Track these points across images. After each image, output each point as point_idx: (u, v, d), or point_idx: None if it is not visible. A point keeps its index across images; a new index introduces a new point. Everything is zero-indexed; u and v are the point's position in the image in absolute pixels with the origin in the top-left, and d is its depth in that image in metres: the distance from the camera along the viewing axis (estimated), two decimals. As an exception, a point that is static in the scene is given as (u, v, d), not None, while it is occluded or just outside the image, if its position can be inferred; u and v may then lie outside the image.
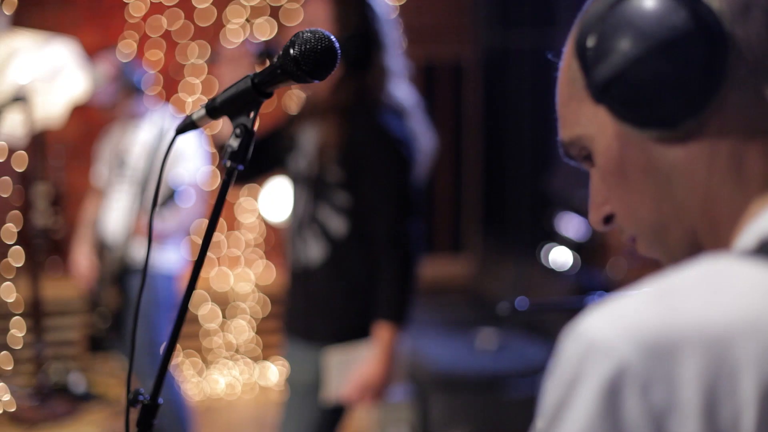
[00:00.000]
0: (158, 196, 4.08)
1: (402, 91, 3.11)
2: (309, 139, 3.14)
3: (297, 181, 3.19)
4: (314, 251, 3.10)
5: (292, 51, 1.51)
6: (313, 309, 3.12)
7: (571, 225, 5.54)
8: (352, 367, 3.05)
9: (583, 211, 4.83)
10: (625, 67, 0.96)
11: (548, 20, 6.24)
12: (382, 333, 3.00)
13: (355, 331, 3.08)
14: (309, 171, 3.12)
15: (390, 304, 3.01)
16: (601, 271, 5.51)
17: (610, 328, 0.84)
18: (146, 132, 4.65)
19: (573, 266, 5.32)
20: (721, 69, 0.94)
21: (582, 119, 1.04)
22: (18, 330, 5.73)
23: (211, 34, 6.40)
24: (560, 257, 5.51)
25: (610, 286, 4.95)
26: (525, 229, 6.56)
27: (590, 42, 1.00)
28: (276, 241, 6.56)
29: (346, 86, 3.02)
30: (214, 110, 1.55)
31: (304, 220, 3.13)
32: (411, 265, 3.03)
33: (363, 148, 3.01)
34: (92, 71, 4.60)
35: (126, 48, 6.25)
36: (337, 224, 3.06)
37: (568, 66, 1.06)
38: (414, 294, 3.05)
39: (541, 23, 6.29)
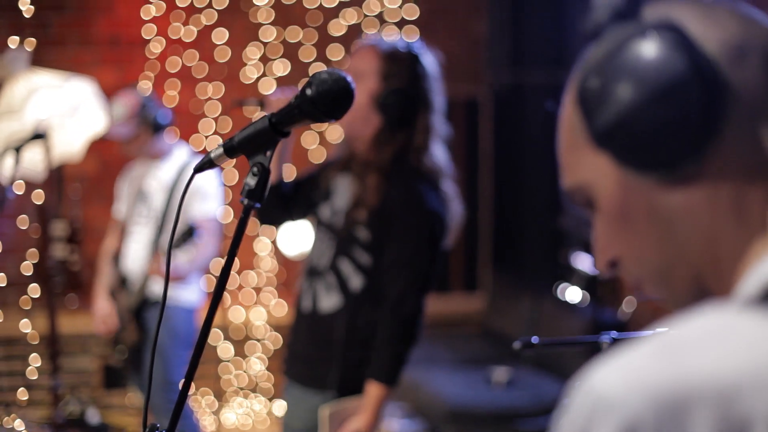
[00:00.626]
0: (176, 233, 4.11)
1: (440, 153, 3.08)
2: (342, 192, 3.12)
3: (321, 227, 3.18)
4: (327, 300, 3.08)
5: (309, 91, 1.55)
6: (317, 356, 3.10)
7: (584, 262, 5.56)
8: (343, 421, 3.04)
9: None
10: (624, 113, 0.98)
11: (559, 60, 6.28)
12: (372, 392, 2.99)
13: (355, 384, 3.07)
14: (336, 222, 3.11)
15: (384, 365, 2.99)
16: (615, 309, 5.51)
17: (620, 382, 0.84)
18: (165, 169, 4.68)
19: (587, 303, 5.32)
20: (718, 113, 0.96)
21: (583, 166, 1.05)
22: (34, 363, 5.76)
23: (226, 73, 6.47)
24: (574, 294, 5.52)
25: (623, 324, 4.95)
26: (539, 267, 6.57)
27: (590, 89, 1.01)
28: (288, 278, 6.58)
29: (387, 144, 3.01)
30: (232, 149, 1.58)
31: (321, 267, 3.11)
32: (412, 334, 3.01)
33: (396, 214, 2.99)
34: (111, 107, 4.65)
35: (145, 86, 6.32)
36: (356, 281, 3.05)
37: (568, 113, 1.07)
38: (407, 360, 3.03)
39: (552, 63, 6.33)
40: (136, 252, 4.68)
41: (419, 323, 3.02)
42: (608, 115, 0.99)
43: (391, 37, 3.10)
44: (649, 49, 0.98)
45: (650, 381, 0.83)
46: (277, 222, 3.33)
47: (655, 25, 0.99)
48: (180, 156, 4.72)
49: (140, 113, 4.57)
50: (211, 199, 4.64)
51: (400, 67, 2.99)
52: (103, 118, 4.80)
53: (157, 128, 4.59)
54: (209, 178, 4.62)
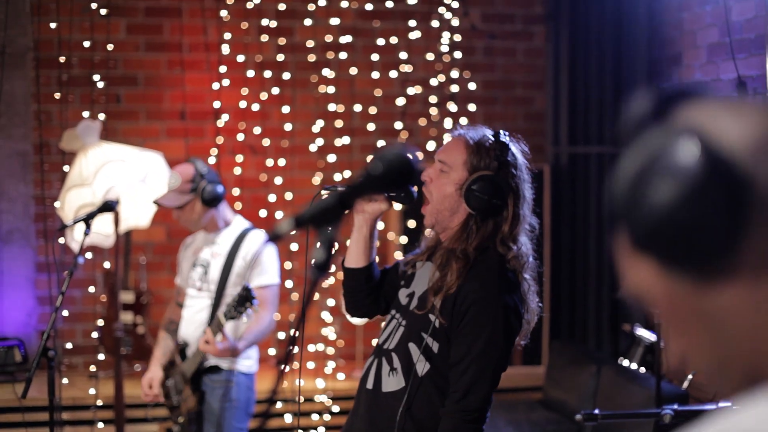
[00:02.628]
0: (233, 300, 4.16)
1: (527, 244, 3.04)
2: (423, 277, 3.08)
3: (397, 310, 3.14)
4: (390, 381, 3.04)
5: (374, 167, 1.61)
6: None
7: (647, 333, 5.53)
8: None
9: (658, 321, 4.82)
10: (655, 218, 1.00)
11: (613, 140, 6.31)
12: None
13: None
14: (411, 307, 3.06)
15: None
16: (679, 380, 5.46)
17: None
18: (222, 240, 4.73)
19: (650, 375, 5.28)
20: (744, 211, 0.97)
21: (634, 272, 1.07)
22: (100, 428, 5.83)
23: (290, 145, 6.59)
24: (637, 365, 5.49)
25: (685, 397, 4.90)
26: (599, 338, 6.55)
27: (624, 198, 1.03)
28: (348, 348, 6.62)
29: (474, 233, 2.98)
30: (302, 222, 1.64)
31: (390, 348, 3.08)
32: (470, 429, 2.93)
33: (471, 306, 2.91)
34: (169, 176, 4.72)
35: (210, 159, 6.45)
36: (422, 365, 2.98)
37: (612, 219, 1.08)
38: None
39: (610, 136, 6.37)
40: (192, 320, 4.73)
41: (484, 418, 2.95)
42: (646, 220, 1.01)
43: (480, 128, 3.07)
44: (682, 155, 1.00)
45: None
46: (369, 313, 3.31)
47: (680, 131, 1.01)
48: (237, 227, 4.77)
49: (192, 184, 4.63)
50: (268, 269, 4.69)
51: (487, 156, 2.98)
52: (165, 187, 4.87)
53: (210, 200, 4.61)
54: (267, 251, 4.67)
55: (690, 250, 1.00)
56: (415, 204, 3.13)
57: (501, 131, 3.04)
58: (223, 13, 6.50)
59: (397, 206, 3.12)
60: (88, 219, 4.17)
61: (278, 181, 6.60)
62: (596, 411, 3.32)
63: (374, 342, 3.24)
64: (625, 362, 5.57)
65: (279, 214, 6.53)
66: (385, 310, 3.26)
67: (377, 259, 3.25)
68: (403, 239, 6.40)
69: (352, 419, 3.20)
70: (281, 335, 6.57)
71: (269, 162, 6.61)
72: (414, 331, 3.01)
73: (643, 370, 5.44)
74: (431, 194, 3.04)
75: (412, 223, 6.37)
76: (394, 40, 6.70)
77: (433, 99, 6.71)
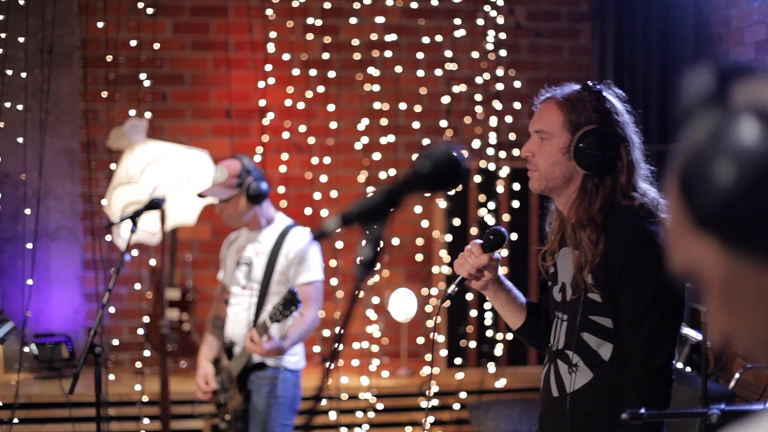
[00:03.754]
0: (279, 302, 4.17)
1: (650, 188, 2.84)
2: (565, 264, 2.91)
3: (555, 311, 2.96)
4: (575, 379, 2.84)
5: (422, 166, 1.60)
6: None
7: (693, 333, 5.48)
8: None
9: (705, 319, 4.78)
10: (727, 199, 0.99)
11: (664, 132, 6.28)
12: None
13: None
14: (567, 298, 2.88)
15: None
16: (725, 379, 5.41)
17: None
18: (265, 237, 4.74)
19: (696, 374, 5.24)
20: None
21: (690, 248, 1.05)
22: (146, 424, 5.87)
23: (335, 143, 6.61)
24: (682, 365, 5.44)
25: (732, 396, 4.86)
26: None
27: (690, 176, 1.03)
28: (392, 345, 6.62)
29: (594, 193, 2.80)
30: (349, 219, 1.64)
31: (561, 348, 2.89)
32: (662, 390, 2.75)
33: (624, 261, 2.71)
34: (215, 170, 4.73)
35: (255, 157, 6.48)
36: (605, 350, 2.80)
37: (672, 199, 1.07)
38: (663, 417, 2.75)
39: (658, 133, 6.34)
40: (238, 318, 4.75)
41: (671, 377, 2.77)
42: (712, 201, 1.00)
43: (567, 85, 2.91)
44: (746, 134, 0.99)
45: None
46: (537, 346, 3.13)
47: (743, 110, 1.00)
48: (279, 225, 4.78)
49: (238, 179, 4.65)
50: (312, 266, 4.70)
51: (585, 110, 2.81)
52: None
53: (255, 197, 4.62)
54: (311, 248, 4.66)
55: (756, 231, 0.98)
56: (506, 241, 2.86)
57: (589, 82, 2.88)
58: (269, 11, 6.52)
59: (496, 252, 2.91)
60: (134, 217, 4.21)
61: (323, 179, 6.61)
62: (642, 410, 3.29)
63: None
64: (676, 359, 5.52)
65: (324, 212, 6.55)
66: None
67: (523, 300, 3.06)
68: (448, 237, 6.39)
69: (543, 429, 3.02)
70: (326, 333, 6.59)
71: (314, 160, 6.63)
72: (580, 319, 2.82)
73: (689, 369, 5.40)
74: (537, 167, 2.86)
75: (457, 221, 6.37)
76: (439, 38, 6.69)
77: (478, 97, 6.69)
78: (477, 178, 6.38)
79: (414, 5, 6.67)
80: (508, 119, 6.60)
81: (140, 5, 6.34)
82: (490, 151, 6.51)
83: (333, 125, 6.62)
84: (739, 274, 1.02)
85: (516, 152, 6.46)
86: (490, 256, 2.85)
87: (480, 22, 6.69)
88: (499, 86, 6.66)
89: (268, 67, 6.55)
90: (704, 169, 1.01)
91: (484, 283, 2.91)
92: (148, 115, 6.32)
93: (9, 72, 6.17)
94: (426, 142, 6.66)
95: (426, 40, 6.70)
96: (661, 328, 2.71)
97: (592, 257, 2.75)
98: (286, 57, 6.58)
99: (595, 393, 2.81)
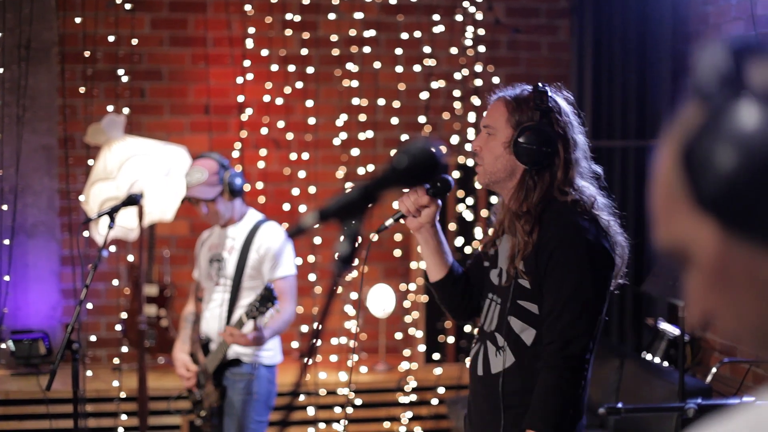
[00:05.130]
0: (256, 298, 4.17)
1: (589, 187, 2.99)
2: (504, 250, 3.04)
3: (490, 293, 3.10)
4: (499, 361, 2.96)
5: (399, 161, 1.61)
6: (496, 415, 2.97)
7: (670, 328, 5.51)
8: None
9: (682, 314, 4.81)
10: (734, 182, 0.97)
11: (641, 129, 6.31)
12: None
13: None
14: (503, 283, 3.02)
15: (549, 414, 2.83)
16: (702, 374, 5.45)
17: None
18: (238, 233, 4.73)
19: (673, 369, 5.27)
20: None
21: (681, 224, 1.03)
22: (123, 420, 5.86)
23: (314, 139, 6.61)
24: (660, 359, 5.47)
25: (709, 391, 4.89)
26: (623, 332, 6.53)
27: (696, 153, 1.00)
28: (369, 340, 6.63)
29: (532, 187, 2.93)
30: (326, 215, 1.64)
31: (492, 329, 3.02)
32: (576, 378, 2.85)
33: (552, 252, 2.86)
34: (189, 172, 4.72)
35: (233, 153, 6.47)
36: (528, 335, 2.93)
37: (667, 170, 1.05)
38: (578, 407, 2.86)
39: (635, 131, 6.37)
40: (212, 315, 4.75)
41: (587, 368, 2.87)
42: (716, 182, 0.98)
43: (519, 85, 3.05)
44: (759, 118, 0.97)
45: None
46: (474, 312, 3.22)
47: (754, 93, 0.98)
48: (250, 220, 4.77)
49: (219, 176, 4.64)
50: (284, 261, 4.69)
51: (528, 108, 2.95)
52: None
53: (237, 190, 4.63)
54: (285, 244, 4.67)
55: (756, 217, 0.97)
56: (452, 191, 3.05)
57: (539, 83, 3.00)
58: (247, 7, 6.51)
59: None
60: (112, 213, 4.20)
61: (302, 174, 6.61)
62: (620, 405, 3.31)
63: (476, 330, 3.18)
64: (648, 356, 5.55)
65: (302, 208, 6.55)
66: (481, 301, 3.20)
67: (450, 258, 3.17)
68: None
69: (471, 408, 3.14)
70: (304, 328, 6.59)
71: (293, 156, 6.63)
72: (510, 303, 2.96)
73: (666, 364, 5.43)
74: (483, 160, 3.01)
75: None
76: (417, 34, 6.70)
77: (456, 93, 6.71)
78: (455, 174, 6.39)
79: (393, 1, 6.68)
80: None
81: (118, 1, 6.32)
82: (469, 147, 6.52)
83: (311, 121, 6.61)
84: (732, 257, 1.00)
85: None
86: (431, 199, 3.00)
87: (459, 18, 6.70)
88: (478, 82, 6.67)
89: (247, 63, 6.54)
90: (711, 149, 0.99)
91: (419, 225, 3.03)
92: (126, 110, 6.30)
93: (-15, 67, 6.14)
94: (405, 138, 6.67)
95: (405, 36, 6.70)
96: (581, 318, 2.84)
97: (524, 246, 2.91)
98: (264, 53, 6.57)
99: (517, 376, 2.93)
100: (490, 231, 3.16)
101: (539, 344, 2.90)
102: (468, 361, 3.15)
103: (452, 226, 6.39)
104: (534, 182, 2.93)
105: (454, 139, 6.60)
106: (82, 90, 6.35)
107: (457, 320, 3.26)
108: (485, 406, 3.01)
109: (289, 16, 6.58)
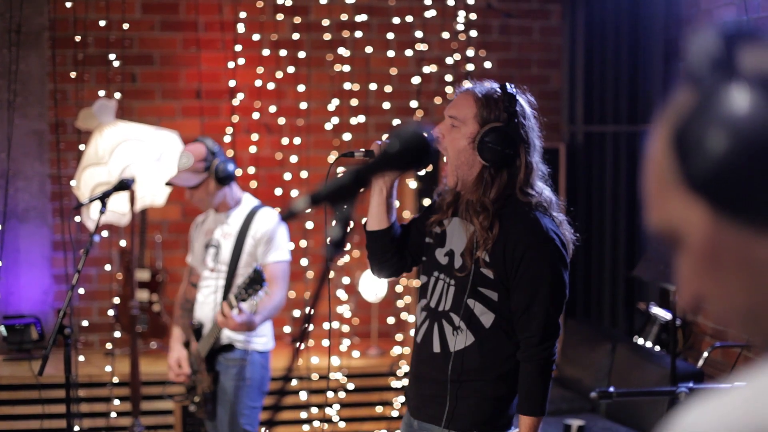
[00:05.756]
0: (244, 281, 4.16)
1: (544, 189, 3.16)
2: (457, 234, 3.18)
3: (438, 271, 3.23)
4: (457, 339, 3.13)
5: (390, 145, 1.61)
6: (452, 394, 3.13)
7: (662, 312, 5.53)
8: None
9: (674, 299, 4.82)
10: (724, 164, 0.97)
11: (633, 113, 6.31)
12: (528, 424, 3.06)
13: (491, 417, 3.14)
14: (456, 265, 3.16)
15: (537, 398, 3.06)
16: (694, 358, 5.47)
17: (707, 427, 0.86)
18: (232, 219, 4.71)
19: (665, 353, 5.29)
20: None
21: (673, 207, 1.04)
22: (116, 405, 5.87)
23: (305, 123, 6.60)
24: (651, 343, 5.49)
25: (700, 375, 4.91)
26: (614, 316, 6.55)
27: (688, 135, 1.01)
28: (361, 325, 6.64)
29: (491, 184, 3.08)
30: (318, 199, 1.64)
31: (445, 309, 3.17)
32: (551, 362, 3.09)
33: (518, 246, 3.03)
34: (178, 157, 4.69)
35: (225, 138, 6.46)
36: (486, 318, 3.11)
37: (659, 153, 1.05)
38: (550, 385, 3.12)
39: (627, 116, 6.37)
40: (206, 300, 4.73)
41: (553, 350, 3.10)
42: (707, 164, 0.99)
43: (487, 82, 3.17)
44: (750, 102, 0.97)
45: (737, 426, 0.85)
46: (396, 272, 3.39)
47: (755, 77, 0.98)
48: (246, 206, 4.75)
49: (205, 163, 4.62)
50: (279, 246, 4.68)
51: (497, 108, 3.07)
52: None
53: (223, 178, 4.59)
54: (279, 228, 4.66)
55: (747, 200, 0.97)
56: (433, 169, 3.19)
57: (507, 84, 3.13)
58: (238, -9, 6.49)
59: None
60: (103, 198, 4.19)
61: (293, 159, 6.61)
62: (611, 389, 3.33)
63: (421, 304, 3.29)
64: (640, 340, 5.57)
65: (294, 193, 6.55)
66: (410, 267, 3.37)
67: (397, 220, 3.32)
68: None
69: (418, 385, 3.26)
70: (296, 313, 6.59)
71: (284, 141, 6.62)
72: (468, 287, 3.10)
73: (658, 348, 5.45)
74: (446, 150, 3.13)
75: (427, 201, 6.38)
76: (409, 18, 6.69)
77: (448, 78, 6.70)
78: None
79: (384, -15, 6.67)
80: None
81: (109, -16, 6.30)
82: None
83: (303, 106, 6.60)
84: (723, 240, 1.01)
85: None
86: None
87: (450, 2, 6.68)
88: (470, 67, 6.67)
89: (238, 48, 6.53)
90: (702, 132, 0.99)
91: (386, 177, 3.18)
92: (117, 95, 6.28)
93: (-24, 52, 6.12)
94: (396, 122, 6.67)
95: (396, 20, 6.69)
96: (554, 313, 3.07)
97: (484, 241, 3.07)
98: (256, 37, 6.56)
99: (477, 355, 3.11)
100: (439, 214, 3.27)
101: (496, 327, 3.10)
102: (417, 337, 3.27)
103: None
104: (492, 178, 3.08)
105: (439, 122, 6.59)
106: (73, 75, 6.33)
107: (378, 275, 3.38)
108: (441, 377, 3.15)
109: (280, 1, 6.56)
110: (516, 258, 3.03)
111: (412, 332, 6.45)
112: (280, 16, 6.59)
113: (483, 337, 3.11)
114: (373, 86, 6.67)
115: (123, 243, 6.33)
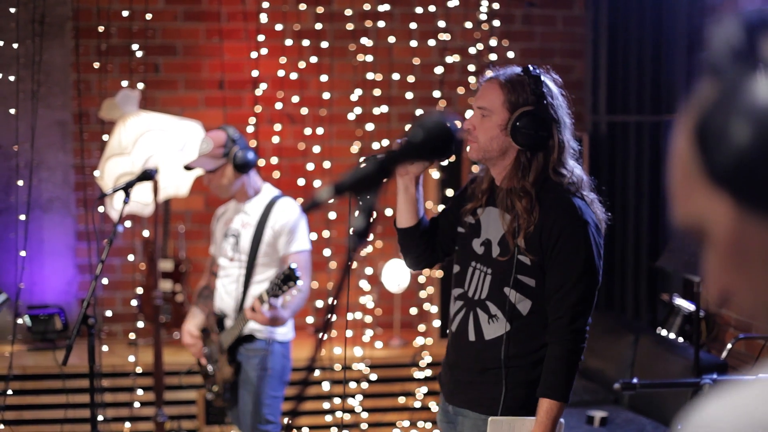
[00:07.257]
0: (277, 278, 4.16)
1: (576, 167, 3.17)
2: (493, 223, 3.19)
3: (475, 261, 3.23)
4: (493, 328, 3.15)
5: (414, 135, 1.61)
6: (486, 380, 3.16)
7: (686, 303, 5.50)
8: None
9: (698, 290, 4.80)
10: (746, 156, 0.96)
11: (657, 103, 6.28)
12: (548, 408, 3.04)
13: (524, 404, 3.13)
14: (493, 254, 3.17)
15: (561, 382, 3.05)
16: (717, 349, 5.44)
17: (729, 419, 0.85)
18: (253, 208, 4.72)
19: (688, 344, 5.26)
20: None
21: (698, 200, 1.02)
22: (139, 395, 5.89)
23: (328, 113, 6.59)
24: (675, 335, 5.47)
25: (723, 366, 4.88)
26: (638, 307, 6.52)
27: (710, 128, 0.99)
28: (384, 315, 6.64)
29: (528, 168, 3.10)
30: (341, 189, 1.63)
31: (482, 297, 3.18)
32: (581, 348, 3.09)
33: (555, 231, 3.04)
34: (201, 141, 4.71)
35: (248, 128, 6.46)
36: (523, 305, 3.12)
37: (683, 146, 1.03)
38: (576, 374, 3.10)
39: (650, 106, 6.33)
40: (227, 290, 4.75)
41: (587, 337, 3.11)
42: (729, 157, 0.97)
43: (508, 67, 3.18)
44: (763, 93, 0.96)
45: (759, 419, 0.84)
46: (429, 264, 3.44)
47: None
48: (266, 195, 4.76)
49: (224, 149, 4.63)
50: (298, 236, 4.68)
51: (524, 92, 3.08)
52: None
53: (241, 166, 4.59)
54: (300, 220, 4.66)
55: None
56: (454, 161, 3.22)
57: (530, 66, 3.14)
58: (261, -19, 6.49)
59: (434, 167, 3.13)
60: (127, 188, 4.20)
61: (316, 149, 6.61)
62: (635, 380, 3.31)
63: (455, 293, 3.30)
64: (663, 332, 5.54)
65: (317, 183, 6.55)
66: (443, 258, 3.41)
67: (425, 214, 3.35)
68: (441, 208, 6.39)
69: (452, 372, 3.29)
70: (319, 303, 6.60)
71: (307, 131, 6.62)
72: (506, 275, 3.12)
73: (681, 339, 5.42)
74: (477, 140, 3.15)
75: (450, 192, 6.37)
76: (432, 8, 6.67)
77: (471, 67, 6.68)
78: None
79: (407, -25, 6.65)
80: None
81: (132, -25, 6.31)
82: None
83: (326, 96, 6.60)
84: (748, 233, 0.99)
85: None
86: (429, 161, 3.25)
87: (473, -8, 6.66)
88: (493, 57, 6.64)
89: (261, 38, 6.53)
90: (724, 123, 0.98)
91: (406, 171, 3.20)
92: (140, 86, 6.30)
93: (0, 43, 6.14)
94: (419, 112, 6.65)
95: (419, 10, 6.67)
96: (586, 295, 3.08)
97: (526, 225, 3.08)
98: (278, 27, 6.55)
99: (514, 342, 3.13)
100: (473, 202, 3.29)
101: (533, 314, 3.12)
102: (452, 325, 3.29)
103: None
104: (529, 162, 3.10)
105: (469, 114, 6.57)
106: (96, 65, 6.35)
107: (412, 268, 3.43)
108: (477, 367, 3.18)
109: (303, -9, 6.56)
110: (552, 240, 3.05)
111: (434, 323, 6.47)
112: (302, 6, 6.58)
113: (519, 325, 3.12)
114: (395, 76, 6.66)
115: (146, 233, 6.35)
